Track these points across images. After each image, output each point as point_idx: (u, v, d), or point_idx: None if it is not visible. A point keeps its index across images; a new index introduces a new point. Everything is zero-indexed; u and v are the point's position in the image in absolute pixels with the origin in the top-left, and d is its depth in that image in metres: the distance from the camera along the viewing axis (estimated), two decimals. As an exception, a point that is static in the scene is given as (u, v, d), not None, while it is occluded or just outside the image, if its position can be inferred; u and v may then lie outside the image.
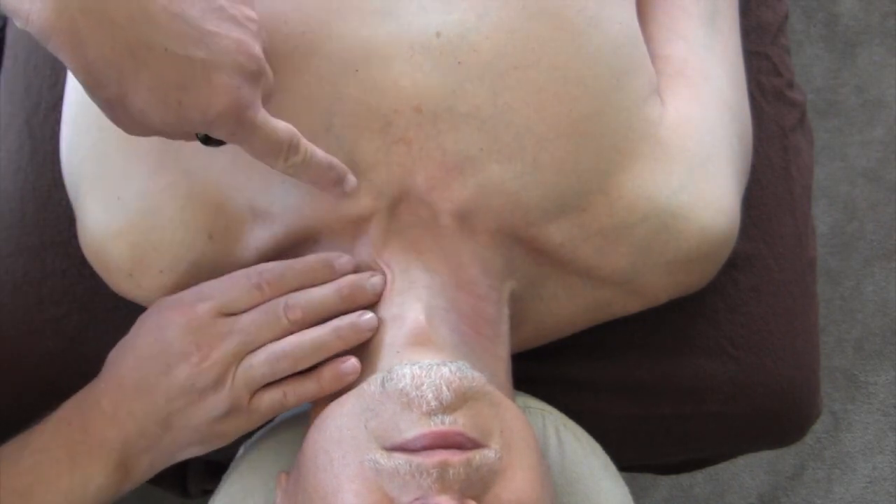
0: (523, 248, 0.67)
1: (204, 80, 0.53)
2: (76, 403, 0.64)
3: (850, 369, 1.44)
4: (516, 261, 0.67)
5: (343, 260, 0.64)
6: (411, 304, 0.63)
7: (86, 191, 0.69)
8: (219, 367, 0.62)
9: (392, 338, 0.62)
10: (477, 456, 0.55)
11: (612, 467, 0.72)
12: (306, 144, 0.59)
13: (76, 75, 0.51)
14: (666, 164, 0.69)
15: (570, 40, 0.65)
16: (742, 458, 1.19)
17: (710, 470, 1.38)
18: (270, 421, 0.74)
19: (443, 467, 0.54)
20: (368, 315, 0.63)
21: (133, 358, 0.63)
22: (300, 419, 0.70)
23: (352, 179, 0.62)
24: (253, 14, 0.57)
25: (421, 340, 0.61)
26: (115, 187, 0.67)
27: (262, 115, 0.56)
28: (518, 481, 0.56)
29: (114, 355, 0.66)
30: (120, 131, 0.68)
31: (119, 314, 0.70)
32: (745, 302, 0.81)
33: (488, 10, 0.65)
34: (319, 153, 0.60)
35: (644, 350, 0.80)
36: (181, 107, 0.52)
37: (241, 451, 0.74)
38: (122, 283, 0.69)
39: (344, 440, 0.57)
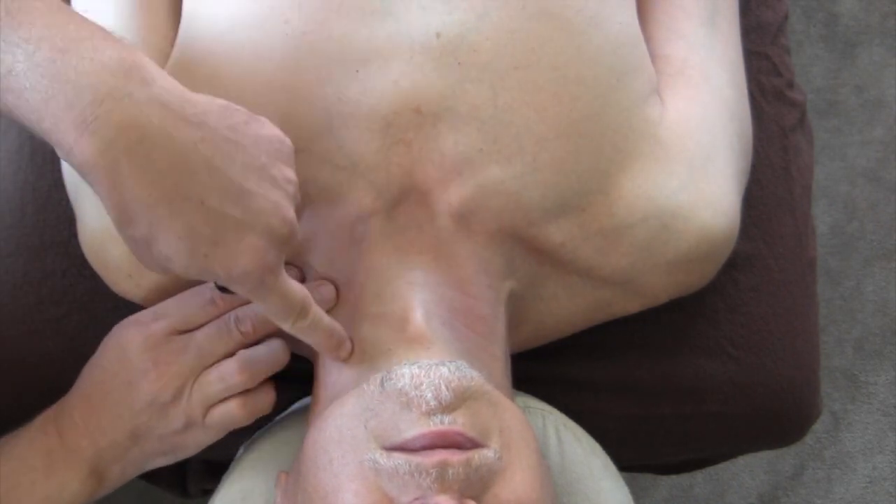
0: (523, 248, 0.67)
1: (235, 238, 0.53)
2: (51, 415, 0.67)
3: (850, 369, 1.44)
4: (516, 261, 0.67)
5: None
6: (409, 304, 0.63)
7: (86, 191, 0.69)
8: (176, 382, 0.64)
9: (390, 338, 0.62)
10: (476, 456, 0.55)
11: (612, 467, 0.72)
12: (315, 309, 0.60)
13: (108, 210, 0.51)
14: (666, 163, 0.69)
15: (570, 40, 0.65)
16: (742, 458, 1.18)
17: (710, 470, 1.38)
18: (271, 421, 0.74)
19: (442, 467, 0.54)
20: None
21: (99, 374, 0.66)
22: (300, 419, 0.70)
23: (348, 346, 0.63)
24: (292, 176, 0.57)
25: (419, 340, 0.61)
26: (115, 187, 0.67)
27: (283, 279, 0.57)
28: (517, 481, 0.56)
29: (85, 371, 0.68)
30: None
31: (119, 314, 0.70)
32: (745, 302, 0.81)
33: (488, 10, 0.65)
34: (326, 319, 0.61)
35: (644, 350, 0.80)
36: (207, 259, 0.53)
37: (241, 451, 0.74)
38: (122, 283, 0.69)
39: (343, 440, 0.57)
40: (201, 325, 0.66)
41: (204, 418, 0.65)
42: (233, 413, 0.66)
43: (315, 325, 0.60)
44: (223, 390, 0.65)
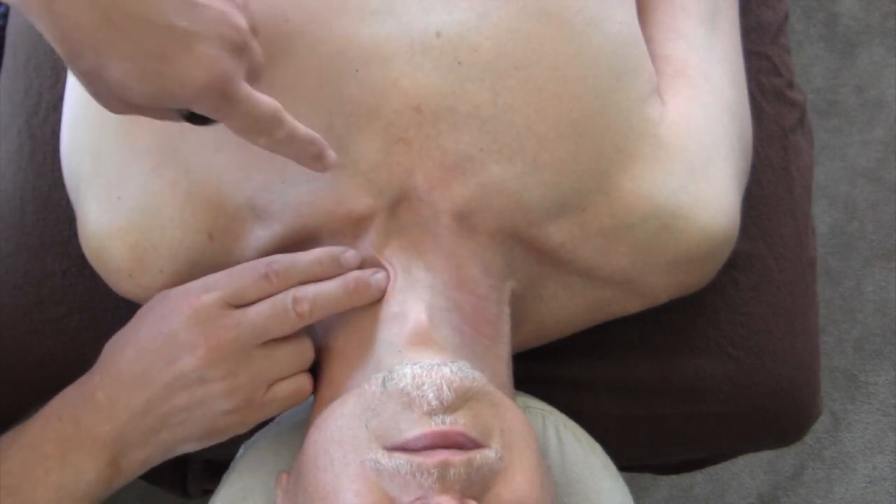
0: (524, 248, 0.67)
1: (185, 50, 0.50)
2: (67, 397, 0.63)
3: (850, 369, 1.44)
4: (517, 261, 0.67)
5: (349, 254, 0.64)
6: (413, 304, 0.63)
7: (86, 190, 0.69)
8: (228, 360, 0.61)
9: (394, 337, 0.62)
10: (478, 456, 0.55)
11: (612, 467, 0.72)
12: (289, 119, 0.57)
13: (54, 45, 0.49)
14: (666, 163, 0.69)
15: (570, 40, 0.65)
16: (742, 458, 1.19)
17: (710, 470, 1.38)
18: (270, 420, 0.74)
19: (443, 467, 0.54)
20: (381, 273, 0.63)
21: (133, 350, 0.62)
22: (300, 419, 0.70)
23: (331, 154, 0.60)
24: None
25: (422, 340, 0.61)
26: (115, 187, 0.67)
27: (246, 89, 0.54)
28: (518, 481, 0.56)
29: (111, 347, 0.64)
30: (120, 130, 0.68)
31: (119, 314, 0.70)
32: (745, 302, 0.81)
33: (488, 10, 0.65)
34: (301, 128, 0.58)
35: (644, 350, 0.80)
36: (161, 78, 0.50)
37: (241, 451, 0.74)
38: (122, 283, 0.69)
39: (345, 440, 0.57)
40: (253, 302, 0.62)
41: (264, 395, 0.62)
42: (303, 386, 0.64)
43: (292, 136, 0.57)
44: (292, 367, 0.63)
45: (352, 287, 0.63)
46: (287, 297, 0.62)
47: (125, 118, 0.69)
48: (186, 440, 0.63)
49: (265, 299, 0.62)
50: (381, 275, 0.64)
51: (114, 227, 0.67)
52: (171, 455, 0.64)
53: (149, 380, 0.61)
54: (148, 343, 0.62)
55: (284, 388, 0.64)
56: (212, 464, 0.82)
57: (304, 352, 0.64)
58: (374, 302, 0.64)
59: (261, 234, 0.66)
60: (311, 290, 0.63)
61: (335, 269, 0.63)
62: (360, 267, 0.64)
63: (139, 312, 0.65)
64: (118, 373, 0.62)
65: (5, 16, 0.87)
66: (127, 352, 0.62)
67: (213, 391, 0.61)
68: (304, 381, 0.65)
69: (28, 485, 0.60)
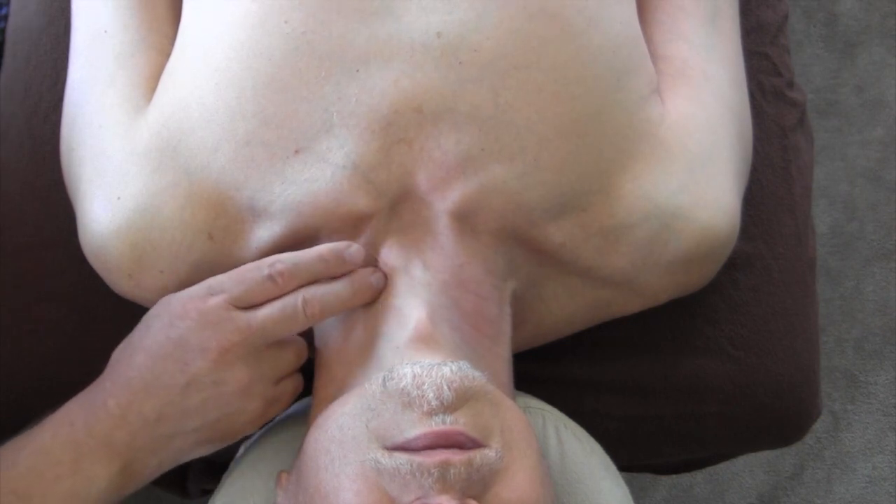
0: (524, 247, 0.67)
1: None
2: (79, 404, 0.63)
3: (850, 369, 1.44)
4: (517, 260, 0.67)
5: (353, 250, 0.64)
6: (414, 303, 0.63)
7: (85, 191, 0.69)
8: (240, 361, 0.61)
9: (394, 336, 0.62)
10: (478, 456, 0.55)
11: (612, 467, 0.72)
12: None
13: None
14: (666, 164, 0.69)
15: (571, 40, 0.65)
16: (742, 458, 1.18)
17: (710, 470, 1.38)
18: (270, 420, 0.74)
19: (444, 467, 0.54)
20: (378, 273, 0.64)
21: (143, 357, 0.61)
22: (300, 419, 0.70)
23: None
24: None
25: (424, 339, 0.61)
26: (115, 187, 0.67)
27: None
28: (518, 481, 0.56)
29: (120, 354, 0.64)
30: (120, 130, 0.69)
31: (119, 314, 0.70)
32: (745, 302, 0.81)
33: (489, 10, 0.65)
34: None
35: (644, 350, 0.80)
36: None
37: (241, 451, 0.74)
38: (123, 283, 0.69)
39: (345, 440, 0.57)
40: (258, 303, 0.62)
41: (274, 391, 0.64)
42: (300, 383, 0.66)
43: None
44: (295, 364, 0.65)
45: (357, 286, 0.63)
46: (297, 298, 0.62)
47: (125, 118, 0.69)
48: (201, 444, 0.63)
49: (273, 300, 0.62)
50: (378, 275, 0.64)
51: (114, 228, 0.67)
52: (184, 460, 0.64)
53: (161, 386, 0.61)
54: (157, 349, 0.61)
55: (289, 385, 0.65)
56: (212, 464, 0.82)
57: (302, 349, 0.66)
58: (372, 301, 0.64)
59: (261, 235, 0.66)
60: (320, 290, 0.63)
61: (339, 266, 0.63)
62: (364, 263, 0.64)
63: (145, 318, 0.64)
64: (129, 380, 0.61)
65: (5, 16, 0.87)
66: (137, 358, 0.62)
67: (227, 393, 0.61)
68: (300, 378, 0.67)
69: (38, 491, 0.60)
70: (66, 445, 0.61)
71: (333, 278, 0.64)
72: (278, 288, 0.62)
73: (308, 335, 0.68)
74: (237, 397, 0.61)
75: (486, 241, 0.66)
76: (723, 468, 1.38)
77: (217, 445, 0.64)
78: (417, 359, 0.59)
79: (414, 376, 0.57)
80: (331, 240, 0.65)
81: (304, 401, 0.72)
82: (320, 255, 0.63)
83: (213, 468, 0.83)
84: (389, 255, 0.65)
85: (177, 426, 0.61)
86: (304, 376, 0.69)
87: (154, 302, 0.67)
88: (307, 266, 0.63)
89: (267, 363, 0.62)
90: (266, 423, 0.73)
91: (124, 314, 0.69)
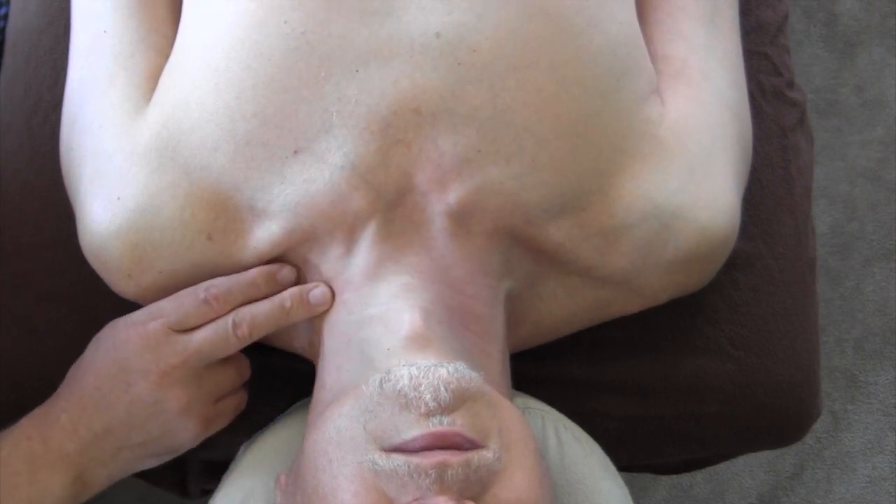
0: (522, 247, 0.67)
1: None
2: (36, 419, 0.66)
3: (850, 369, 1.44)
4: (514, 260, 0.67)
5: (284, 272, 0.67)
6: (407, 304, 0.63)
7: (85, 191, 0.69)
8: (179, 382, 0.65)
9: (389, 338, 0.62)
10: (475, 456, 0.55)
11: (612, 467, 0.72)
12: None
13: None
14: (666, 164, 0.68)
15: (570, 40, 0.65)
16: (742, 458, 1.18)
17: (710, 470, 1.38)
18: (269, 421, 0.74)
19: (441, 468, 0.54)
20: (320, 288, 0.66)
21: (92, 377, 0.66)
22: (300, 419, 0.70)
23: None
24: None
25: (418, 340, 0.61)
26: (115, 187, 0.67)
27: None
28: (517, 481, 0.56)
29: (73, 373, 0.68)
30: (120, 131, 0.69)
31: (119, 314, 0.70)
32: (745, 302, 0.81)
33: (488, 10, 0.64)
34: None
35: (644, 350, 0.80)
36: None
37: (241, 450, 0.74)
38: (122, 283, 0.69)
39: (342, 441, 0.57)
40: (196, 326, 0.66)
41: (213, 409, 0.67)
42: (243, 401, 0.71)
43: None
44: (235, 383, 0.69)
45: (288, 304, 0.66)
46: (227, 321, 0.65)
47: (125, 118, 0.69)
48: (147, 457, 0.67)
49: (208, 323, 0.66)
50: (320, 289, 0.66)
51: (113, 228, 0.67)
52: (133, 471, 0.69)
53: (108, 404, 0.65)
54: (104, 370, 0.66)
55: (229, 404, 0.69)
56: (212, 464, 0.82)
57: (242, 369, 0.70)
58: (316, 315, 0.66)
59: (260, 235, 0.66)
60: (248, 312, 0.66)
61: (272, 288, 0.67)
62: (299, 282, 0.67)
63: (94, 340, 0.68)
64: (80, 398, 0.66)
65: (5, 16, 0.87)
66: (87, 378, 0.66)
67: (168, 412, 0.65)
68: (243, 396, 0.71)
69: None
70: (24, 456, 0.64)
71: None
72: (213, 311, 0.66)
73: (308, 337, 0.68)
74: (177, 416, 0.65)
75: (481, 242, 0.66)
76: (723, 468, 1.38)
77: (163, 458, 0.69)
78: (412, 359, 0.59)
79: (411, 378, 0.57)
80: (329, 240, 0.66)
81: (304, 401, 0.72)
82: (252, 277, 0.66)
83: (213, 468, 0.83)
84: (385, 255, 0.65)
85: (123, 440, 0.65)
86: (303, 379, 0.69)
87: (153, 301, 0.68)
88: (240, 289, 0.66)
89: (206, 383, 0.66)
90: (263, 425, 0.73)
91: (124, 314, 0.69)
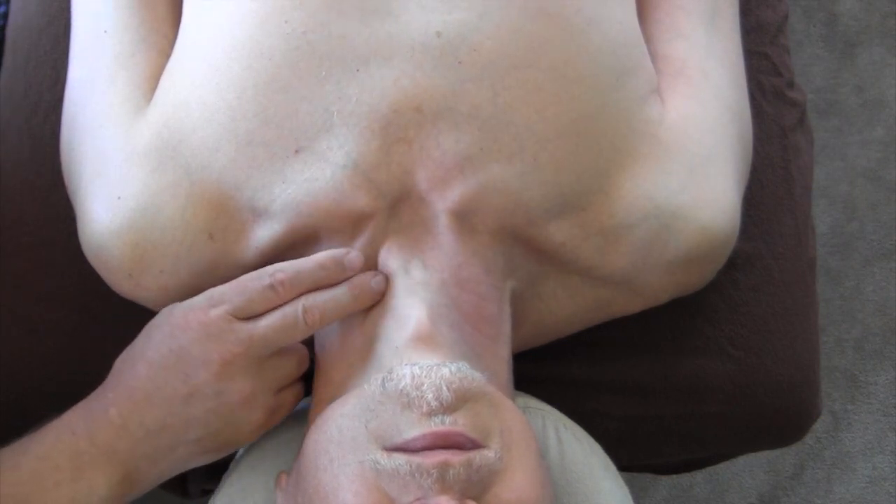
0: (524, 247, 0.67)
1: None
2: (81, 411, 0.63)
3: (850, 369, 1.44)
4: (516, 260, 0.67)
5: (352, 255, 0.64)
6: (413, 304, 0.63)
7: (86, 190, 0.69)
8: (241, 372, 0.61)
9: (394, 337, 0.62)
10: (477, 456, 0.55)
11: (612, 467, 0.72)
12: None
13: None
14: (666, 163, 0.69)
15: (570, 40, 0.65)
16: (742, 458, 1.18)
17: (710, 470, 1.38)
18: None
19: (443, 468, 0.54)
20: (379, 276, 0.64)
21: (145, 367, 0.62)
22: (300, 419, 0.70)
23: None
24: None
25: (423, 339, 0.61)
26: (116, 187, 0.67)
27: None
28: (518, 481, 0.56)
29: (122, 364, 0.64)
30: (120, 130, 0.69)
31: (119, 314, 0.70)
32: (746, 302, 0.81)
33: (489, 9, 0.65)
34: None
35: (644, 350, 0.80)
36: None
37: (241, 450, 0.74)
38: (123, 283, 0.69)
39: (344, 440, 0.57)
40: (260, 313, 0.62)
41: (275, 402, 0.64)
42: (301, 391, 0.67)
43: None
44: (295, 373, 0.66)
45: (357, 292, 0.63)
46: (297, 307, 0.62)
47: (126, 118, 0.69)
48: (202, 453, 0.64)
49: (274, 310, 0.62)
50: (379, 278, 0.64)
51: (114, 227, 0.67)
52: (185, 469, 0.65)
53: (163, 398, 0.61)
54: (159, 360, 0.61)
55: (290, 394, 0.66)
56: (212, 464, 0.82)
57: (303, 358, 0.66)
58: (373, 304, 0.64)
59: (261, 234, 0.66)
60: (320, 298, 0.63)
61: (339, 273, 0.64)
62: (364, 268, 0.64)
63: (147, 327, 0.64)
64: (131, 390, 0.62)
65: (5, 16, 0.87)
66: (139, 369, 0.62)
67: (229, 404, 0.61)
68: (302, 387, 0.67)
69: (38, 496, 0.60)
70: (68, 452, 0.61)
71: (332, 285, 0.64)
72: (279, 297, 0.62)
73: (307, 337, 0.68)
74: (239, 408, 0.62)
75: (485, 241, 0.66)
76: (723, 468, 1.38)
77: (218, 455, 0.65)
78: (417, 359, 0.59)
79: (413, 377, 0.57)
80: (331, 239, 0.65)
81: (305, 401, 0.72)
82: (320, 262, 0.63)
83: (213, 468, 0.83)
84: (389, 254, 0.65)
85: (178, 436, 0.62)
86: (304, 377, 0.69)
87: (154, 302, 0.68)
88: (308, 274, 0.63)
89: (268, 373, 0.63)
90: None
91: (124, 314, 0.69)
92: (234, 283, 0.63)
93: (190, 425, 0.61)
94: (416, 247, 0.65)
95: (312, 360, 0.69)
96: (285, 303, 0.62)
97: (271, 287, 0.62)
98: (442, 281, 0.64)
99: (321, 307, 0.62)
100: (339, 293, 0.63)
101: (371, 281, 0.64)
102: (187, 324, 0.61)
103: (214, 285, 0.64)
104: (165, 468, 0.63)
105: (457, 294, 0.64)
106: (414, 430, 0.55)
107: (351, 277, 0.64)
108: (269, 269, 0.63)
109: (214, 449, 0.64)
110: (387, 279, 0.64)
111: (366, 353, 0.63)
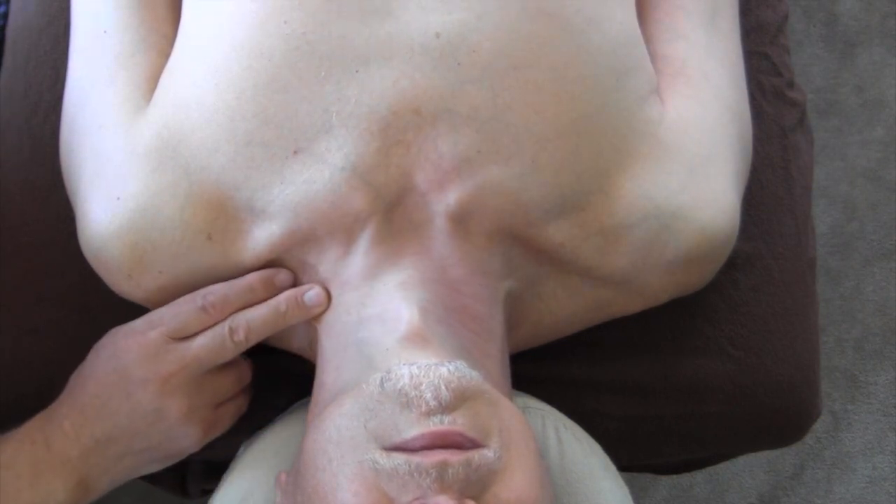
0: (522, 247, 0.67)
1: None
2: (39, 423, 0.67)
3: (850, 369, 1.44)
4: (515, 261, 0.67)
5: (281, 276, 0.67)
6: (406, 304, 0.63)
7: (85, 191, 0.69)
8: (179, 389, 0.65)
9: (388, 337, 0.62)
10: (476, 456, 0.55)
11: (612, 467, 0.72)
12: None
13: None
14: (666, 164, 0.68)
15: (570, 40, 0.65)
16: (742, 458, 1.18)
17: (710, 470, 1.38)
18: (269, 421, 0.74)
19: (442, 467, 0.54)
20: (315, 289, 0.66)
21: (93, 385, 0.66)
22: (300, 419, 0.70)
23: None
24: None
25: (417, 339, 0.61)
26: (115, 187, 0.67)
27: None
28: (517, 481, 0.56)
29: (74, 381, 0.68)
30: (120, 131, 0.69)
31: (119, 314, 0.70)
32: (746, 302, 0.81)
33: (488, 10, 0.64)
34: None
35: (644, 350, 0.80)
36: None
37: (241, 450, 0.74)
38: (122, 284, 0.69)
39: (343, 440, 0.57)
40: (195, 333, 0.66)
41: (214, 414, 0.68)
42: (243, 404, 0.71)
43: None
44: (235, 388, 0.69)
45: (283, 308, 0.66)
46: (224, 327, 0.66)
47: (125, 118, 0.69)
48: (149, 462, 0.68)
49: (206, 330, 0.66)
50: (315, 291, 0.66)
51: (113, 228, 0.67)
52: (136, 475, 0.70)
53: (109, 412, 0.65)
54: (104, 378, 0.66)
55: (229, 409, 0.70)
56: (212, 464, 0.82)
57: (242, 373, 0.70)
58: (314, 317, 0.66)
59: (259, 236, 0.66)
60: (243, 317, 0.66)
61: (269, 292, 0.67)
62: (295, 285, 0.67)
63: (95, 348, 0.68)
64: (82, 405, 0.66)
65: (5, 16, 0.87)
66: (88, 386, 0.67)
67: (169, 419, 0.65)
68: (244, 400, 0.72)
69: (2, 502, 0.63)
70: (27, 460, 0.65)
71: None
72: (210, 318, 0.66)
73: (307, 338, 0.68)
74: (178, 423, 0.66)
75: (481, 243, 0.66)
76: (723, 468, 1.38)
77: (165, 463, 0.69)
78: (411, 357, 0.59)
79: (411, 377, 0.57)
80: (329, 240, 0.66)
81: (304, 401, 0.72)
82: (249, 283, 0.67)
83: (213, 468, 0.83)
84: (384, 255, 0.65)
85: (125, 447, 0.66)
86: (303, 379, 0.69)
87: (153, 302, 0.68)
88: (236, 295, 0.67)
89: (206, 389, 0.67)
90: (263, 425, 0.73)
91: (124, 314, 0.69)
92: (170, 305, 0.67)
93: (134, 438, 0.66)
94: (413, 248, 0.65)
95: (310, 360, 0.69)
96: (216, 323, 0.66)
97: (203, 309, 0.66)
98: (433, 280, 0.64)
99: (245, 325, 0.66)
100: (262, 311, 0.66)
101: (305, 295, 0.66)
102: (128, 345, 0.66)
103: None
104: (116, 475, 0.67)
105: (446, 293, 0.64)
106: (413, 429, 0.55)
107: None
108: (202, 291, 0.67)
109: (160, 459, 0.69)
110: (327, 293, 0.66)
111: (361, 354, 0.63)
